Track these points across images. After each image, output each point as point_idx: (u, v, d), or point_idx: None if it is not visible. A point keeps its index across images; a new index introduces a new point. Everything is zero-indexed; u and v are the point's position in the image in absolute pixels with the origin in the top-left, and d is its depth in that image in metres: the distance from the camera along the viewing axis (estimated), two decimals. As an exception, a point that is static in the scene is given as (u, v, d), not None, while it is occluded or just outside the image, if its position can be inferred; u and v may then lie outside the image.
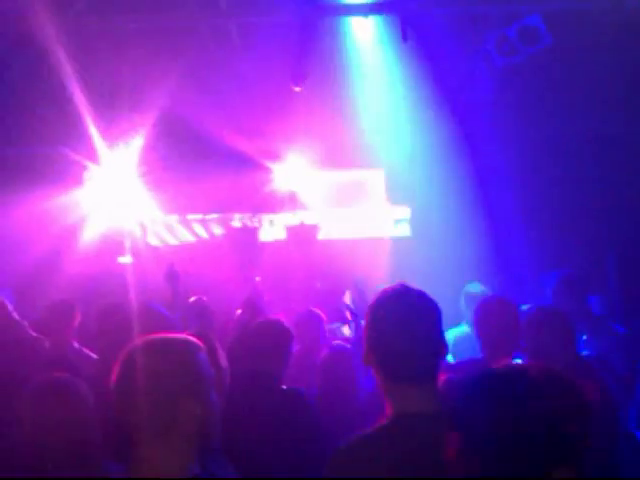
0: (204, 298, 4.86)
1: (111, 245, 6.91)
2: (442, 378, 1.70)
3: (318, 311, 4.26)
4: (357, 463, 1.49)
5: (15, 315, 3.91)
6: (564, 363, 2.54)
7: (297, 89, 5.31)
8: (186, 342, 1.59)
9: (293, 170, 8.42)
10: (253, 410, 2.57)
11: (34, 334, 3.87)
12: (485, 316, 2.90)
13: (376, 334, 1.56)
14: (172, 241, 7.73)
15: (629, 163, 6.56)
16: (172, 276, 4.02)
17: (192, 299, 4.88)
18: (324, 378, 3.18)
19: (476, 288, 5.22)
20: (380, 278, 7.32)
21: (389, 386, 1.55)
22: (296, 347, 3.83)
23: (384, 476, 1.44)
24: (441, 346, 1.57)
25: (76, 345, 4.19)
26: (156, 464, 1.45)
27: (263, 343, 2.83)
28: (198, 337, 2.02)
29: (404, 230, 9.14)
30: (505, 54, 5.46)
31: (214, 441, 1.74)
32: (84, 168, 6.34)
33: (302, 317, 4.12)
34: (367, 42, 5.91)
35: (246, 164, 7.43)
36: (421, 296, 1.60)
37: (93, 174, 6.42)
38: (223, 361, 2.01)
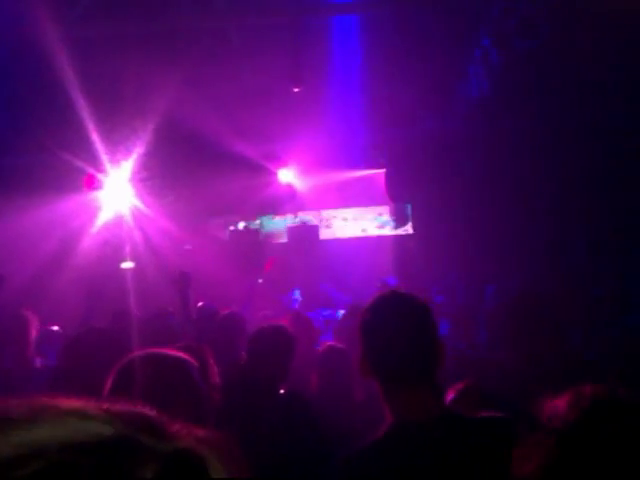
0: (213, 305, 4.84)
1: (113, 251, 6.90)
2: None
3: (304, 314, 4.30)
4: (364, 477, 1.49)
5: None
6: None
7: (296, 90, 5.32)
8: (181, 359, 1.58)
9: (294, 171, 8.44)
10: (254, 415, 2.55)
11: None
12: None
13: (370, 343, 1.56)
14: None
15: (629, 156, 6.57)
16: (182, 282, 3.97)
17: (200, 304, 4.87)
18: (321, 376, 3.15)
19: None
20: (384, 275, 7.37)
21: (387, 392, 1.55)
22: None
23: None
24: (435, 348, 1.56)
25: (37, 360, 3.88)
26: None
27: (266, 349, 2.79)
28: (192, 350, 2.03)
29: (406, 228, 9.18)
30: (502, 49, 5.48)
31: None
32: (86, 174, 6.33)
33: (291, 320, 4.12)
34: (362, 40, 5.91)
35: (247, 166, 7.44)
36: (411, 301, 1.60)
37: (95, 180, 6.41)
38: (214, 377, 1.99)
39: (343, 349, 3.18)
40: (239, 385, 2.69)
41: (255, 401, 2.66)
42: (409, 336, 1.53)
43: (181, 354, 1.61)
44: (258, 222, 9.10)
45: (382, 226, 9.30)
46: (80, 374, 2.37)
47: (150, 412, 0.50)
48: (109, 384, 1.51)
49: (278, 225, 9.18)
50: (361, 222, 9.35)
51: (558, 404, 0.98)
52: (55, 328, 4.42)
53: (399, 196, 8.75)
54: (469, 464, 1.45)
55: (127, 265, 7.35)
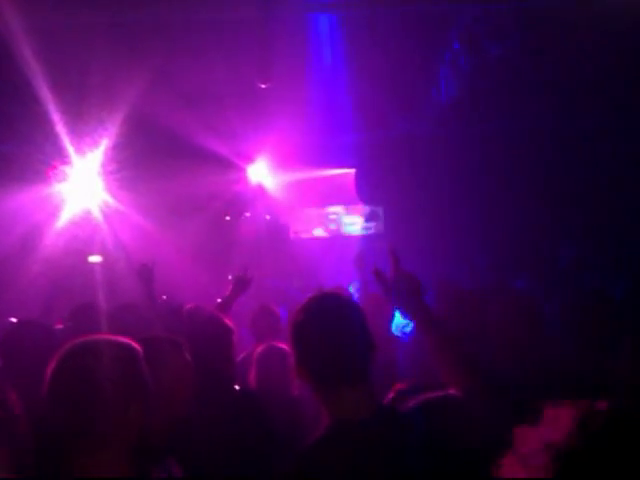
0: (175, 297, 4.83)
1: (80, 244, 6.81)
2: None
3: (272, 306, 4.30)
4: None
5: None
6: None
7: (263, 86, 5.33)
8: (129, 347, 1.53)
9: (265, 169, 8.43)
10: (204, 412, 2.52)
11: None
12: None
13: (302, 345, 1.58)
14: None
15: (602, 158, 6.67)
16: (146, 275, 3.94)
17: (164, 297, 4.85)
18: (258, 374, 3.15)
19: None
20: (352, 275, 7.41)
21: (323, 393, 1.56)
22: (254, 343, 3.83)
23: None
24: (368, 347, 1.58)
25: None
26: (99, 475, 1.40)
27: (205, 342, 2.72)
28: (170, 341, 2.01)
29: (376, 228, 9.25)
30: (472, 53, 5.57)
31: (160, 447, 1.71)
32: (51, 166, 6.23)
33: (257, 312, 4.11)
34: (334, 39, 5.94)
35: (218, 162, 7.41)
36: (342, 301, 1.63)
37: (60, 172, 6.32)
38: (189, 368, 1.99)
39: (281, 348, 3.18)
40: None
41: (203, 398, 2.63)
42: (338, 337, 1.54)
43: (122, 340, 1.56)
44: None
45: (352, 225, 9.36)
46: (16, 367, 2.34)
47: None
48: (48, 374, 1.47)
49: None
50: (331, 221, 9.40)
51: (561, 417, 0.90)
52: (14, 320, 4.34)
53: (369, 198, 8.82)
54: (408, 456, 1.48)
55: (95, 259, 7.26)
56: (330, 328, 1.56)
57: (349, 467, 1.45)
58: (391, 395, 1.97)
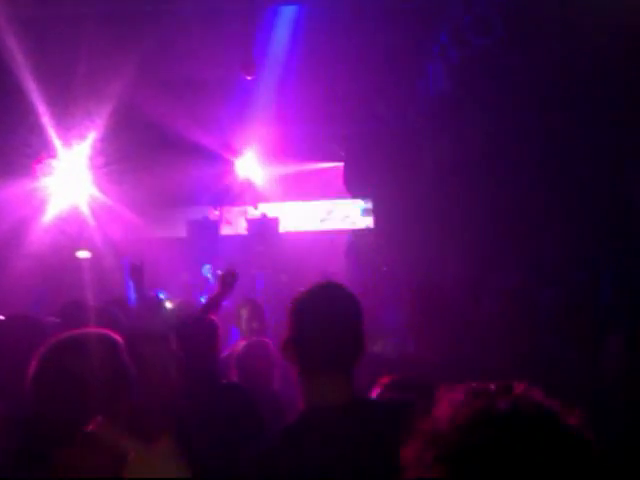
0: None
1: (67, 239, 6.75)
2: None
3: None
4: (273, 468, 1.53)
5: None
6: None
7: (248, 77, 5.31)
8: (109, 338, 1.54)
9: (252, 163, 8.40)
10: (193, 407, 2.53)
11: None
12: None
13: (296, 324, 1.65)
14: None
15: (589, 155, 6.71)
16: (135, 271, 3.93)
17: (151, 293, 4.83)
18: (241, 369, 3.17)
19: None
20: (340, 269, 7.42)
21: (305, 377, 1.62)
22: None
23: (301, 474, 1.51)
24: (358, 340, 1.64)
25: None
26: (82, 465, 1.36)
27: (193, 340, 2.76)
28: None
29: (366, 222, 9.26)
30: (459, 46, 5.57)
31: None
32: (36, 159, 6.15)
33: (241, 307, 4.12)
34: (321, 31, 5.91)
35: (206, 156, 7.37)
36: (342, 292, 1.71)
37: (47, 166, 6.24)
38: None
39: (264, 343, 3.22)
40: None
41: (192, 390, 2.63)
42: (333, 325, 1.62)
43: (102, 332, 1.56)
44: (217, 213, 9.02)
45: (342, 219, 9.36)
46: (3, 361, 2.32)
47: None
48: (31, 369, 1.46)
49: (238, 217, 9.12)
50: (320, 215, 9.40)
51: (441, 410, 0.84)
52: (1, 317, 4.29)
53: (358, 191, 8.82)
54: (374, 446, 1.53)
55: (83, 254, 7.20)
56: (325, 314, 1.64)
57: (316, 453, 1.51)
58: (377, 389, 2.02)
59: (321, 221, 9.39)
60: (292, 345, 1.64)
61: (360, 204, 9.33)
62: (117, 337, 1.55)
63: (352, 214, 9.47)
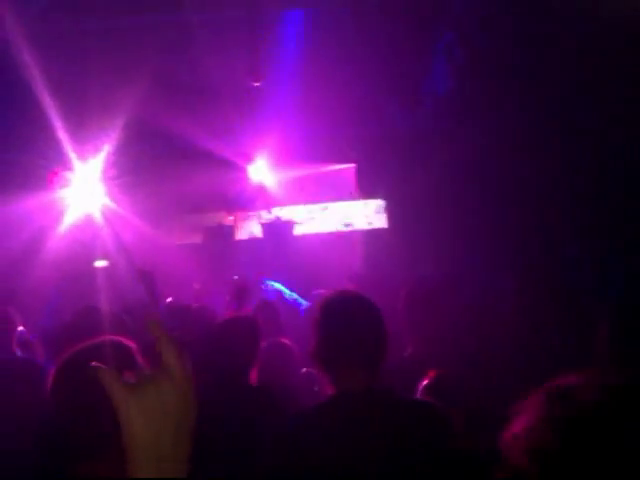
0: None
1: (85, 250, 6.87)
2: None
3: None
4: (303, 434, 1.79)
5: None
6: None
7: (256, 84, 5.37)
8: (124, 345, 1.54)
9: (265, 167, 8.46)
10: (221, 409, 2.57)
11: None
12: None
13: (325, 330, 1.88)
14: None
15: (596, 154, 6.64)
16: (147, 278, 4.01)
17: (169, 300, 4.90)
18: (260, 371, 3.21)
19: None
20: (356, 270, 7.43)
21: (333, 372, 1.86)
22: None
23: (328, 442, 1.75)
24: (380, 340, 1.88)
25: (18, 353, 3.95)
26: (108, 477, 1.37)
27: (232, 340, 2.81)
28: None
29: (380, 222, 9.25)
30: (464, 45, 5.56)
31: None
32: (53, 172, 6.30)
33: (258, 310, 4.15)
34: (330, 35, 5.95)
35: (218, 163, 7.45)
36: (363, 300, 1.95)
37: (63, 178, 6.39)
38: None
39: (283, 344, 3.26)
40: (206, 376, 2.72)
41: (222, 392, 2.68)
42: (360, 329, 1.87)
43: (118, 339, 1.59)
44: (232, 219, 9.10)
45: (355, 220, 9.37)
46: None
47: None
48: (50, 383, 1.50)
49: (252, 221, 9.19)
50: (334, 217, 9.42)
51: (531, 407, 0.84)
52: (20, 328, 4.40)
53: (371, 192, 8.83)
54: (388, 431, 1.76)
55: (100, 264, 7.33)
56: (350, 321, 1.88)
57: (340, 430, 1.75)
58: (425, 381, 2.24)
59: (335, 223, 9.40)
60: (323, 349, 1.86)
61: (374, 204, 9.33)
62: (131, 344, 1.57)
63: (368, 214, 9.46)
